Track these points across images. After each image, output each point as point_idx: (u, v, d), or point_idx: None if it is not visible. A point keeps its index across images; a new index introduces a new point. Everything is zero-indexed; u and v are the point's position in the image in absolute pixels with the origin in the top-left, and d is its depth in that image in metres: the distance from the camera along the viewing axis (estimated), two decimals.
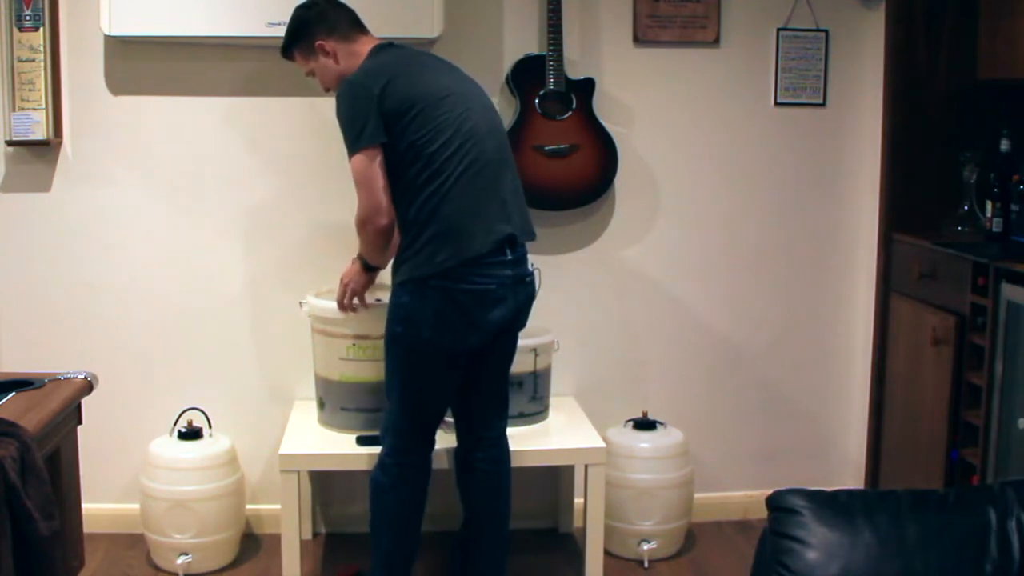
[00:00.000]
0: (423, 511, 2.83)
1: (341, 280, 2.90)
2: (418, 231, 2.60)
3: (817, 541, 1.74)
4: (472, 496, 2.90)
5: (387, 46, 2.77)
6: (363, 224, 2.66)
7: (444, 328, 2.61)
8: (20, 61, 3.18)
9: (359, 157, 2.60)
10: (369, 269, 2.82)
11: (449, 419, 2.94)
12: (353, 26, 2.78)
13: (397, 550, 2.81)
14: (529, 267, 2.76)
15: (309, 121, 3.34)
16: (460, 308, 2.60)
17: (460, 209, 2.58)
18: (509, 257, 2.65)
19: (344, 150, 2.65)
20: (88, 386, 2.41)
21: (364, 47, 2.75)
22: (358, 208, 2.65)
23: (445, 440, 2.94)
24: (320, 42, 2.74)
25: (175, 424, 3.30)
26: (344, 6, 2.80)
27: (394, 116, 2.58)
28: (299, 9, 2.79)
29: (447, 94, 2.63)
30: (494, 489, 2.87)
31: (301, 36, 2.77)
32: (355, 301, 2.89)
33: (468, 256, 2.57)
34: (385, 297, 2.82)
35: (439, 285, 2.58)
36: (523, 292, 2.73)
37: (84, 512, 2.54)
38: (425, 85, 2.63)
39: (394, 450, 2.77)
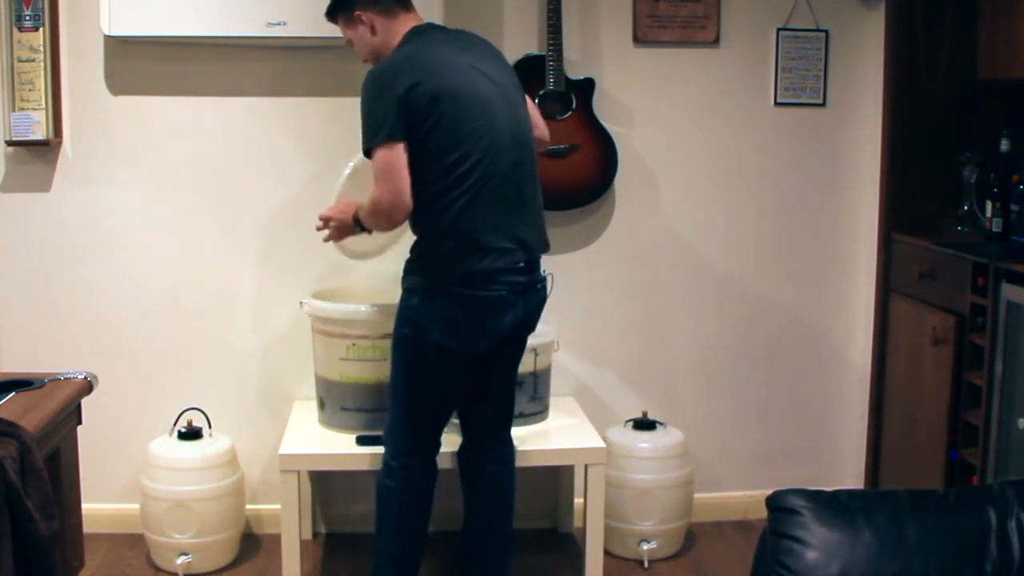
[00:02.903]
0: (429, 514, 2.80)
1: (328, 214, 2.77)
2: (430, 241, 2.58)
3: (817, 541, 1.73)
4: (477, 496, 2.88)
5: (426, 28, 2.66)
6: (378, 214, 2.57)
7: (452, 332, 2.58)
8: (20, 61, 3.18)
9: (382, 151, 2.49)
10: (360, 228, 2.71)
11: (454, 420, 2.92)
12: (396, 1, 2.67)
13: (402, 552, 2.78)
14: (542, 272, 2.73)
15: (309, 121, 3.34)
16: (470, 313, 2.57)
17: (475, 226, 2.53)
18: (522, 265, 2.62)
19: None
20: (88, 386, 2.41)
21: (404, 26, 2.65)
22: (376, 197, 2.53)
23: (448, 441, 2.93)
24: (359, 12, 2.65)
25: (175, 424, 3.30)
26: None
27: (417, 121, 2.50)
28: None
29: (472, 103, 2.54)
30: (500, 489, 2.86)
31: (343, 3, 2.67)
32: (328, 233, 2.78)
33: (480, 270, 2.55)
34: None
35: (449, 290, 2.56)
36: (534, 298, 2.69)
37: (84, 512, 2.54)
38: (453, 89, 2.52)
39: (398, 452, 2.75)
